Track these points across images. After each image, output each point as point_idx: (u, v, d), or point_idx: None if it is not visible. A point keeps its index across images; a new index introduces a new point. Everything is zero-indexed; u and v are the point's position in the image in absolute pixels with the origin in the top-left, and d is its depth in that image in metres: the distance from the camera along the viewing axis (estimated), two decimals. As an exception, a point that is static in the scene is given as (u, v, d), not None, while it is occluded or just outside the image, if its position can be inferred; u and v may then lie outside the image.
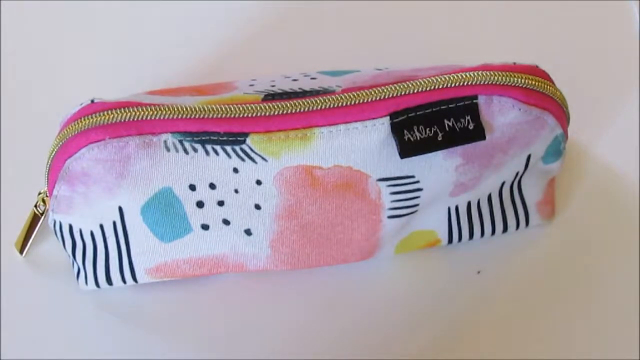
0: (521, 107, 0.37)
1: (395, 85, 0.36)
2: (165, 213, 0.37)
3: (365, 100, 0.36)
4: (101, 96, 0.37)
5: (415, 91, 0.36)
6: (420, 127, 0.36)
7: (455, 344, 0.40)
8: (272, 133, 0.36)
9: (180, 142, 0.36)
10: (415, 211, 0.39)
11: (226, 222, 0.38)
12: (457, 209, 0.40)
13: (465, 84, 0.36)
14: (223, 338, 0.40)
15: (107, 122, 0.35)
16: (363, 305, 0.41)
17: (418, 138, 0.36)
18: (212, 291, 0.41)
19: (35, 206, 0.41)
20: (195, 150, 0.36)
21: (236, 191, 0.37)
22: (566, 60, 0.48)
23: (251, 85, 0.39)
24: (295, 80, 0.40)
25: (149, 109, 0.35)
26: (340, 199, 0.37)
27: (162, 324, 0.41)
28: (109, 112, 0.35)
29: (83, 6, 0.51)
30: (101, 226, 0.38)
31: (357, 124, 0.36)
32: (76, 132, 0.35)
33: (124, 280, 0.40)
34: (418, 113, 0.36)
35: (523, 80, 0.36)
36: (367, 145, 0.36)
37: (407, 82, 0.36)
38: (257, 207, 0.37)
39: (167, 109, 0.35)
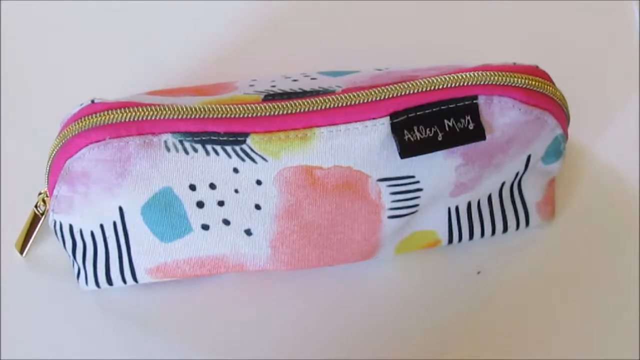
0: (521, 108, 0.37)
1: (395, 85, 0.36)
2: (166, 213, 0.37)
3: (365, 101, 0.36)
4: (101, 96, 0.37)
5: (416, 91, 0.36)
6: (420, 127, 0.36)
7: (455, 344, 0.40)
8: (272, 133, 0.36)
9: (181, 142, 0.36)
10: (416, 211, 0.39)
11: (226, 222, 0.38)
12: (457, 209, 0.40)
13: (465, 84, 0.36)
14: (223, 338, 0.40)
15: (108, 122, 0.35)
16: (363, 306, 0.41)
17: (418, 138, 0.36)
18: (212, 291, 0.41)
19: (36, 206, 0.41)
20: (195, 150, 0.36)
21: (236, 191, 0.37)
22: (566, 60, 0.48)
23: (251, 85, 0.39)
24: (295, 80, 0.40)
25: (149, 109, 0.35)
26: (341, 199, 0.37)
27: (162, 324, 0.41)
28: (109, 112, 0.35)
29: (83, 6, 0.51)
30: (101, 226, 0.38)
31: (357, 124, 0.36)
32: (76, 132, 0.35)
33: (124, 281, 0.40)
34: (418, 113, 0.36)
35: (523, 81, 0.37)
36: (367, 145, 0.36)
37: (407, 82, 0.36)
38: (257, 207, 0.37)
39: (167, 109, 0.35)
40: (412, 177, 0.37)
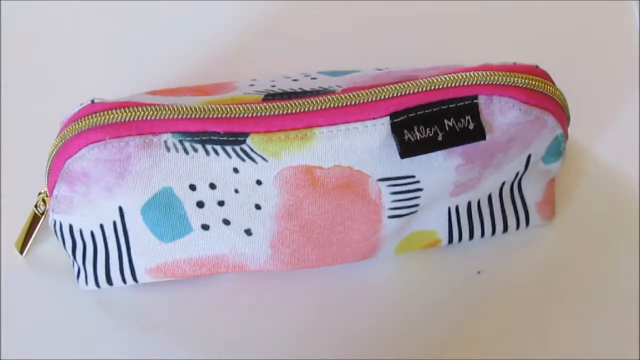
0: (521, 107, 0.37)
1: (395, 85, 0.36)
2: (166, 213, 0.37)
3: (365, 100, 0.36)
4: (101, 96, 0.37)
5: (416, 91, 0.36)
6: (421, 127, 0.36)
7: (455, 344, 0.40)
8: (273, 133, 0.36)
9: (181, 142, 0.36)
10: (416, 211, 0.39)
11: (226, 222, 0.38)
12: (457, 209, 0.40)
13: (466, 84, 0.36)
14: (223, 338, 0.40)
15: (107, 122, 0.35)
16: (363, 305, 0.41)
17: (418, 138, 0.36)
18: (212, 291, 0.41)
19: (36, 206, 0.41)
20: (195, 150, 0.36)
21: (236, 191, 0.37)
22: (566, 60, 0.48)
23: (251, 85, 0.39)
24: (295, 80, 0.40)
25: (149, 109, 0.35)
26: (341, 199, 0.37)
27: (162, 324, 0.41)
28: (109, 112, 0.35)
29: (83, 6, 0.51)
30: (101, 226, 0.38)
31: (357, 124, 0.36)
32: (76, 132, 0.35)
33: (124, 280, 0.40)
34: (418, 113, 0.36)
35: (523, 80, 0.37)
36: (367, 145, 0.36)
37: (408, 82, 0.36)
38: (258, 207, 0.37)
39: (167, 109, 0.35)
40: (412, 177, 0.37)
